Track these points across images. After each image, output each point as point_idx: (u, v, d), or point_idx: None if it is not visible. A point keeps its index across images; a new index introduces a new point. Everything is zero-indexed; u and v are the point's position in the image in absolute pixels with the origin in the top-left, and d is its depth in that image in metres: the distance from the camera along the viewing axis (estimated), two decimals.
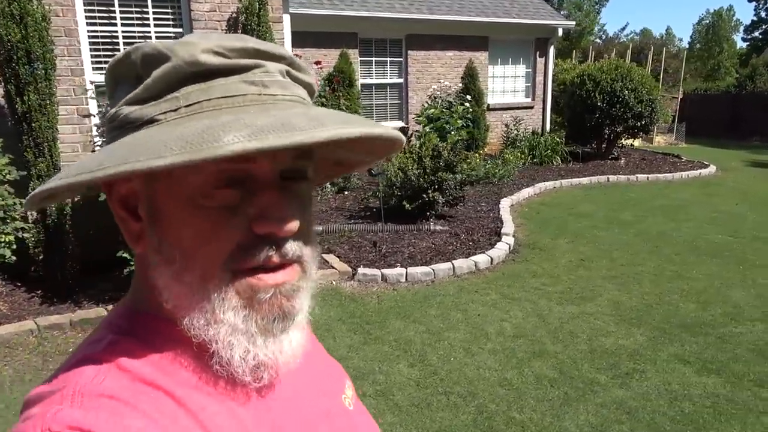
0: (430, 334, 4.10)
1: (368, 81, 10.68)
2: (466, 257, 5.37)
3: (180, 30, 5.31)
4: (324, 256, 5.35)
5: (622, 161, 11.29)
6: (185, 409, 0.50)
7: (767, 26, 47.41)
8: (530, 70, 12.46)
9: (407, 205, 6.21)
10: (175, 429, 0.48)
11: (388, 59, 10.81)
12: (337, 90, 9.00)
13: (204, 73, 0.50)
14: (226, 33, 0.69)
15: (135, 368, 0.50)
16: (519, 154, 10.40)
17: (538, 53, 12.35)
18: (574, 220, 7.21)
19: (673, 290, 4.96)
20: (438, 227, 6.15)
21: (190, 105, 0.50)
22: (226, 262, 0.51)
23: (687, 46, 68.50)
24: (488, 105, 11.59)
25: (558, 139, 10.83)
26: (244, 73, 0.51)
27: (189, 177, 0.50)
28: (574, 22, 12.54)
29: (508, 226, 6.39)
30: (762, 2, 47.32)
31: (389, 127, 0.53)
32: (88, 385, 0.47)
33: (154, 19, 5.23)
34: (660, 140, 15.60)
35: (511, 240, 5.98)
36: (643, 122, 10.68)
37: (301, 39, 9.36)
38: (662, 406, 3.24)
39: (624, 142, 14.12)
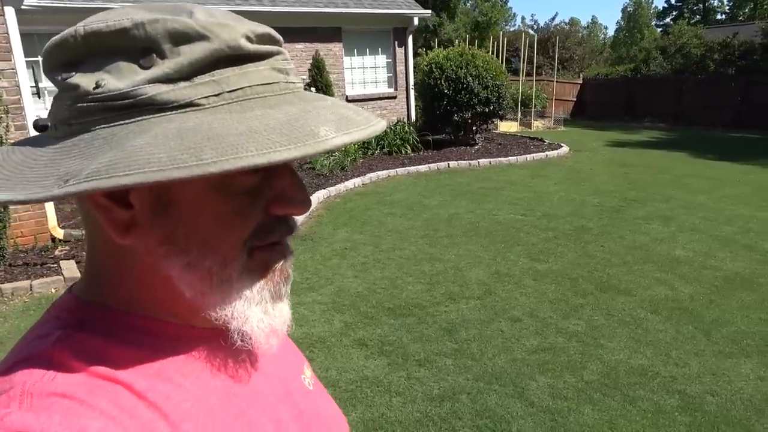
0: None
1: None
2: None
3: None
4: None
5: (477, 147, 11.38)
6: (146, 401, 0.47)
7: (677, 12, 49.30)
8: (390, 60, 12.42)
9: None
10: (135, 425, 0.44)
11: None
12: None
13: (238, 58, 0.48)
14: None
15: (89, 363, 0.46)
16: (363, 143, 10.34)
17: (397, 43, 12.32)
18: (377, 209, 7.16)
19: (413, 273, 4.94)
20: None
21: (233, 91, 0.47)
22: (245, 244, 0.51)
23: (613, 34, 70.93)
24: (347, 96, 11.49)
25: (408, 128, 10.83)
26: (269, 59, 0.50)
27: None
28: (429, 11, 12.47)
29: (298, 218, 6.26)
30: None
31: (384, 121, 0.54)
32: (38, 384, 0.43)
33: None
34: (538, 125, 15.90)
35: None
36: (491, 108, 10.77)
37: None
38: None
39: (498, 128, 14.33)
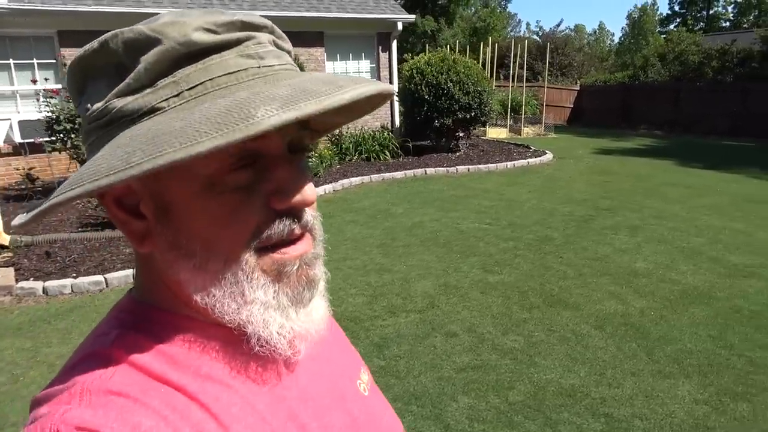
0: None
1: None
2: None
3: None
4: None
5: (458, 154, 11.22)
6: (198, 402, 0.48)
7: (681, 20, 49.01)
8: (374, 65, 12.30)
9: None
10: (186, 425, 0.46)
11: None
12: None
13: (197, 53, 0.47)
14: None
15: (144, 363, 0.49)
16: (335, 149, 10.20)
17: (380, 48, 12.20)
18: (340, 216, 7.02)
19: (358, 284, 4.79)
20: None
21: (193, 87, 0.47)
22: (248, 243, 0.50)
23: (618, 41, 70.73)
24: None
25: (387, 134, 10.69)
26: (237, 47, 0.49)
27: (199, 166, 0.47)
28: (413, 16, 12.33)
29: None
30: None
31: (384, 83, 0.52)
32: (96, 382, 0.46)
33: None
34: (529, 131, 15.72)
35: None
36: (472, 114, 10.61)
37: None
38: None
39: (487, 134, 14.18)
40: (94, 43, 0.49)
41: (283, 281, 0.52)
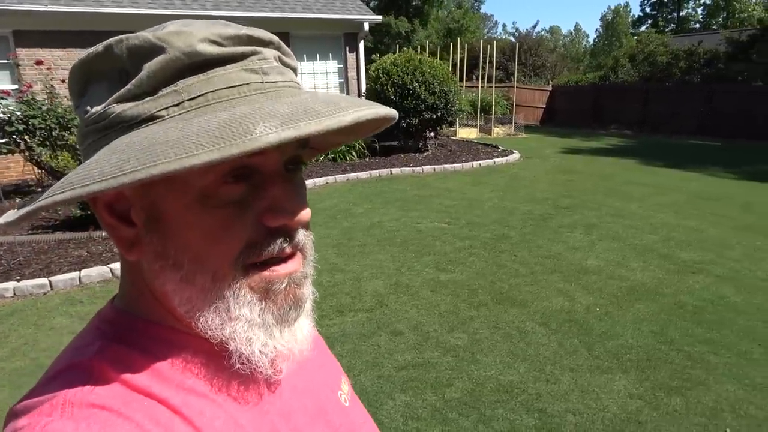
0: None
1: None
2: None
3: None
4: None
5: (426, 154, 11.24)
6: (181, 416, 0.48)
7: (652, 21, 49.84)
8: (342, 65, 12.27)
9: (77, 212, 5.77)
10: None
11: None
12: None
13: (201, 64, 0.47)
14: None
15: (126, 376, 0.48)
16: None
17: (348, 48, 12.18)
18: None
19: None
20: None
21: (194, 98, 0.47)
22: (237, 259, 0.49)
23: (593, 42, 71.71)
24: None
25: None
26: (241, 61, 0.49)
27: (193, 178, 0.47)
28: (380, 17, 12.35)
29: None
30: None
31: (388, 108, 0.51)
32: (78, 395, 0.45)
33: None
34: (499, 131, 15.82)
35: None
36: (438, 114, 10.64)
37: (40, 38, 8.82)
38: None
39: (458, 135, 14.24)
40: (99, 47, 0.49)
41: (270, 299, 0.52)
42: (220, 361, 0.52)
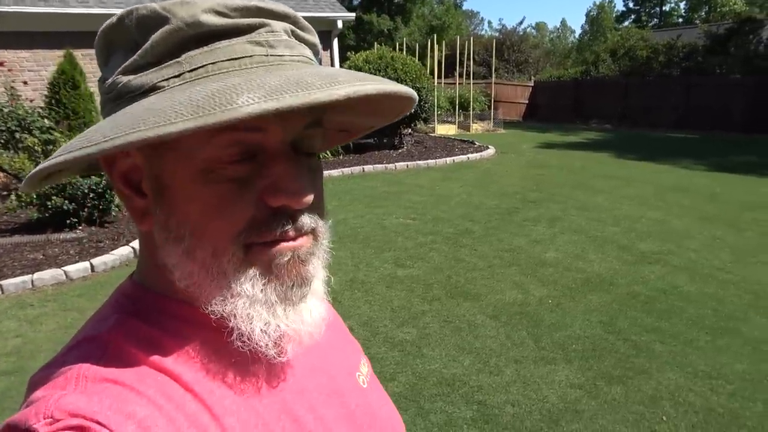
0: None
1: None
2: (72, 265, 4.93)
3: None
4: None
5: (401, 150, 11.24)
6: (192, 393, 0.48)
7: (636, 16, 50.14)
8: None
9: (35, 215, 5.71)
10: (181, 416, 0.46)
11: None
12: (59, 93, 8.36)
13: (206, 35, 0.47)
14: None
15: (141, 351, 0.48)
16: None
17: (322, 46, 12.11)
18: None
19: None
20: (72, 235, 5.67)
21: (194, 69, 0.46)
22: (238, 237, 0.48)
23: (578, 38, 72.03)
24: None
25: None
26: (248, 34, 0.48)
27: (198, 149, 0.47)
28: (353, 14, 12.33)
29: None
30: None
31: (401, 85, 0.48)
32: (92, 369, 0.46)
33: None
34: (477, 127, 15.86)
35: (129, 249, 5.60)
36: (412, 110, 10.60)
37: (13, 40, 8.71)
38: None
39: (436, 131, 14.25)
40: (114, 18, 0.50)
41: (273, 274, 0.50)
42: (229, 337, 0.51)
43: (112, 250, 5.30)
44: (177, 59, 0.47)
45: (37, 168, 0.45)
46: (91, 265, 4.94)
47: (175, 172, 0.49)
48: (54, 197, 5.57)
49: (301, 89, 0.41)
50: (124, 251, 5.25)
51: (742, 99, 15.99)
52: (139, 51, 0.48)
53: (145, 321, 0.51)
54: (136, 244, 5.43)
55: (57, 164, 0.44)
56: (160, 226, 0.51)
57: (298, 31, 0.53)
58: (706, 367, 3.36)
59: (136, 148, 0.48)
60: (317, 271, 0.54)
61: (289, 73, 0.44)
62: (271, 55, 0.48)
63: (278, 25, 0.50)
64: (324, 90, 0.41)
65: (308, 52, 0.53)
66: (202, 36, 0.47)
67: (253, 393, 0.52)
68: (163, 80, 0.47)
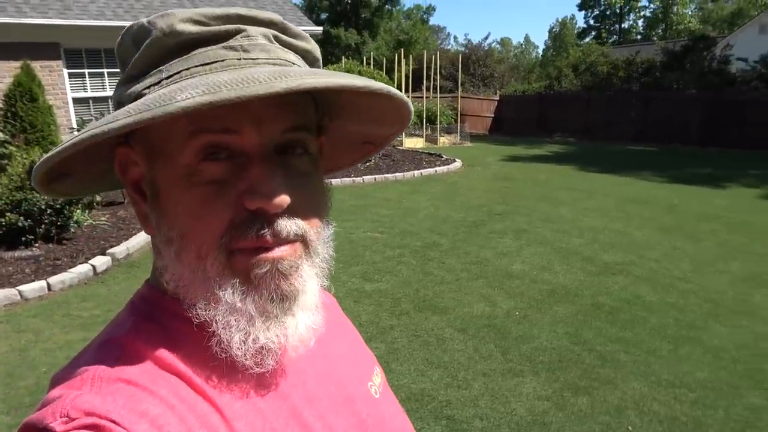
0: None
1: (84, 95, 9.87)
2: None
3: None
4: None
5: (368, 163, 11.26)
6: (204, 395, 0.49)
7: (596, 33, 51.68)
8: None
9: None
10: (192, 416, 0.47)
11: (106, 71, 10.05)
12: (16, 105, 8.09)
13: (186, 44, 0.49)
14: None
15: (156, 353, 0.50)
16: None
17: None
18: None
19: None
20: (28, 253, 5.47)
21: (171, 76, 0.48)
22: (221, 240, 0.49)
23: (542, 53, 73.74)
24: None
25: None
26: (225, 41, 0.49)
27: (178, 154, 0.49)
28: (320, 28, 12.37)
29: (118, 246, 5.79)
30: (590, 11, 51.60)
31: (373, 81, 0.47)
32: (108, 370, 0.47)
33: None
34: (445, 141, 16.02)
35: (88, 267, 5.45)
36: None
37: None
38: None
39: (404, 144, 14.32)
40: (119, 37, 0.54)
41: (252, 284, 0.50)
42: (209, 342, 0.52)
43: (71, 267, 5.12)
44: (159, 68, 0.49)
45: (39, 163, 0.49)
46: (48, 284, 4.76)
47: (165, 176, 0.50)
48: (8, 213, 5.37)
49: (243, 84, 0.41)
50: (83, 269, 5.08)
51: (698, 113, 16.57)
52: (130, 64, 0.51)
53: (159, 324, 0.53)
54: (95, 261, 5.27)
55: (43, 162, 0.48)
56: (155, 229, 0.53)
57: (284, 37, 0.53)
58: (669, 375, 3.42)
59: (139, 156, 0.52)
60: (304, 285, 0.53)
61: (248, 71, 0.44)
62: (243, 59, 0.49)
63: (256, 30, 0.51)
64: (265, 84, 0.41)
65: (291, 56, 0.53)
66: (182, 45, 0.49)
67: (262, 398, 0.53)
68: (145, 88, 0.49)
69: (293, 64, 0.52)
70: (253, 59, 0.49)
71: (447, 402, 3.16)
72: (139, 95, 0.49)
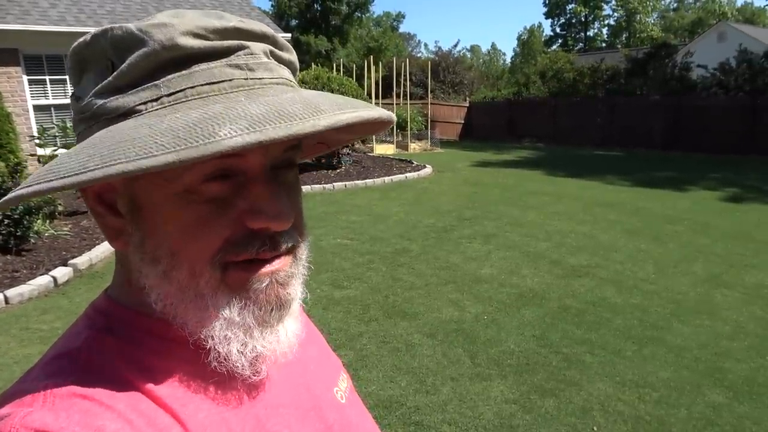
0: None
1: (45, 102, 9.63)
2: None
3: None
4: None
5: (339, 170, 11.24)
6: (165, 408, 0.47)
7: (562, 40, 52.74)
8: None
9: None
10: (151, 430, 0.45)
11: (68, 78, 9.84)
12: None
13: (184, 58, 0.47)
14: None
15: (112, 366, 0.48)
16: None
17: None
18: None
19: None
20: None
21: (173, 93, 0.46)
22: (215, 257, 0.48)
23: (510, 61, 74.84)
24: None
25: None
26: (227, 57, 0.48)
27: (174, 173, 0.46)
28: (289, 34, 12.35)
29: (81, 256, 5.72)
30: (556, 19, 52.68)
31: (381, 109, 0.50)
32: (61, 384, 0.45)
33: None
34: (416, 147, 16.10)
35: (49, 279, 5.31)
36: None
37: None
38: None
39: (375, 151, 14.33)
40: (87, 36, 0.49)
41: (250, 298, 0.50)
42: (205, 355, 0.51)
43: (30, 280, 4.97)
44: (155, 82, 0.46)
45: (12, 195, 0.44)
46: (5, 297, 4.61)
47: (151, 193, 0.48)
48: None
49: (283, 120, 0.41)
50: (43, 281, 4.94)
51: (661, 118, 17.01)
52: (116, 72, 0.47)
53: (117, 336, 0.51)
54: (56, 272, 5.13)
55: (31, 193, 0.43)
56: (135, 247, 0.50)
57: (277, 51, 0.53)
58: (633, 376, 3.47)
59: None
60: (296, 292, 0.54)
61: (270, 100, 0.44)
62: (250, 79, 0.48)
63: (257, 46, 0.50)
64: (307, 120, 0.42)
65: (287, 74, 0.53)
66: (180, 59, 0.47)
67: (228, 408, 0.52)
68: (140, 104, 0.46)
69: (290, 81, 0.53)
70: (260, 79, 0.49)
71: (416, 408, 3.15)
72: (133, 110, 0.46)
